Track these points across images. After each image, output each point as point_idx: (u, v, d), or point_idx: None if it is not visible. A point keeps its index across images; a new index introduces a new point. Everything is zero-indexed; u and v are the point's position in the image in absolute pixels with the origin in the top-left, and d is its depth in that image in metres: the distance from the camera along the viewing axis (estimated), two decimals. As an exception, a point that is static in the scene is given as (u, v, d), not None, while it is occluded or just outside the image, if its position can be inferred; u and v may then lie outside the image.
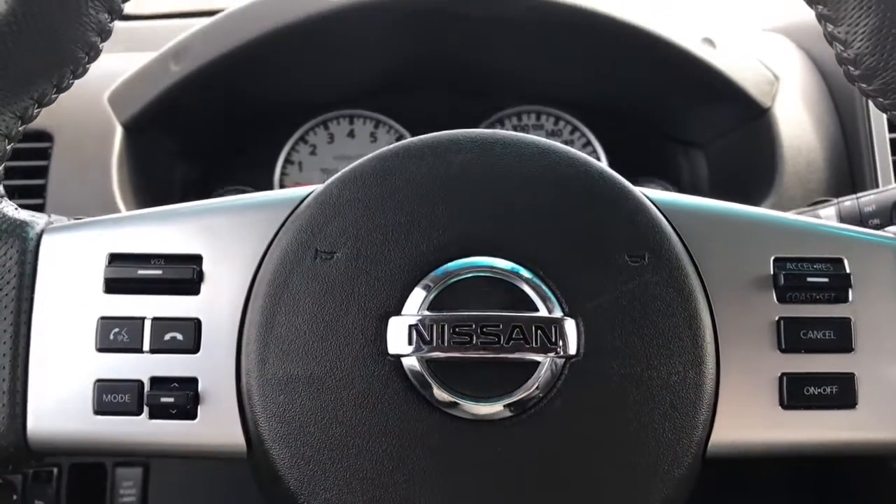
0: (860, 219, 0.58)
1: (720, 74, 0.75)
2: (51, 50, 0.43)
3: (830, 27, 0.47)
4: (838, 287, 0.43)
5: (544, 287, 0.41)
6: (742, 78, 0.76)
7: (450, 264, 0.41)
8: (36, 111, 0.44)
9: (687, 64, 0.75)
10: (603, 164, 0.44)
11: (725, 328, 0.42)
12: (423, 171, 0.42)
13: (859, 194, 0.59)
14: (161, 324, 0.41)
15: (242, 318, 0.41)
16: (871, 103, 0.73)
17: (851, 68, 0.46)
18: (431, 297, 0.40)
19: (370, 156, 0.43)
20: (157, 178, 0.81)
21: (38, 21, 0.42)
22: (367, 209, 0.41)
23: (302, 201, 0.43)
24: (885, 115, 0.72)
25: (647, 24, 0.74)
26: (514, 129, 0.92)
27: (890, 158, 0.72)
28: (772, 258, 0.43)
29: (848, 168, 0.74)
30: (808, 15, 0.80)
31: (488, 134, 0.43)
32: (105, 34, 0.45)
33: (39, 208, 0.71)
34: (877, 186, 0.71)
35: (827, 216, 0.59)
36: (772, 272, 0.43)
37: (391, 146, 0.43)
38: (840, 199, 0.60)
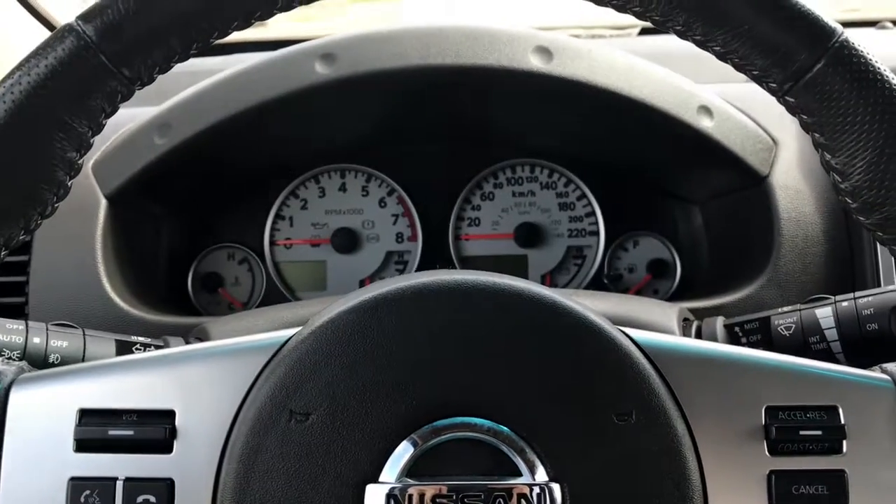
0: (857, 322, 0.56)
1: (716, 143, 0.73)
2: (16, 193, 0.41)
3: (828, 156, 0.45)
4: (832, 439, 0.42)
5: (528, 450, 0.39)
6: (738, 145, 0.74)
7: (430, 426, 0.39)
8: (3, 253, 0.43)
9: (681, 132, 0.73)
10: (589, 313, 0.42)
11: (715, 484, 0.41)
12: (403, 325, 0.41)
13: (857, 294, 0.58)
14: (133, 485, 0.40)
15: (217, 479, 0.40)
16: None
17: (849, 200, 0.45)
18: (411, 461, 0.39)
19: (347, 306, 0.42)
20: (143, 246, 0.80)
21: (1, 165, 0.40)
22: (343, 367, 0.40)
23: (279, 349, 0.42)
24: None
25: (642, 95, 0.72)
26: (509, 181, 0.90)
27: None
28: (764, 407, 0.42)
29: (847, 242, 0.73)
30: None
31: (470, 281, 0.42)
32: (75, 171, 0.43)
33: (19, 309, 0.70)
34: (877, 266, 0.70)
35: (823, 316, 0.58)
36: (763, 423, 0.42)
37: (370, 294, 0.42)
38: (838, 297, 0.58)
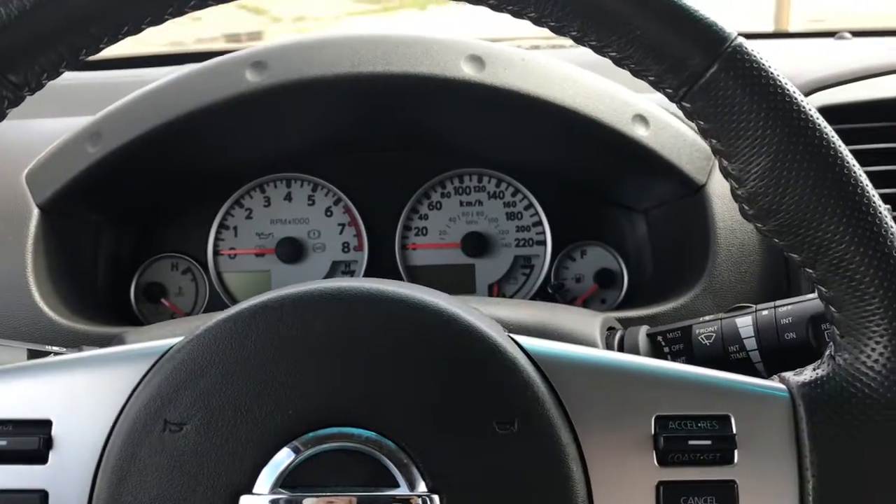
0: (776, 331, 0.56)
1: (651, 152, 0.73)
2: None
3: (725, 163, 0.45)
4: (723, 449, 0.41)
5: (407, 460, 0.39)
6: (675, 154, 0.74)
7: (306, 436, 0.39)
8: None
9: (617, 141, 0.73)
10: (474, 320, 0.41)
11: (602, 494, 0.40)
12: (282, 333, 0.40)
13: (778, 303, 0.57)
14: (5, 497, 0.39)
15: (92, 490, 0.39)
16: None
17: (746, 207, 0.44)
18: (286, 472, 0.38)
19: (226, 315, 0.41)
20: (80, 256, 0.79)
21: None
22: (220, 376, 0.39)
23: (160, 358, 0.41)
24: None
25: (575, 103, 0.72)
26: (456, 190, 0.90)
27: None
28: (654, 417, 0.41)
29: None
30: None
31: (353, 288, 0.41)
32: None
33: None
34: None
35: (743, 325, 0.57)
36: (653, 432, 0.41)
37: (250, 303, 0.41)
38: (759, 306, 0.58)
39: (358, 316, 0.40)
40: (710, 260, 0.73)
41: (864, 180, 0.43)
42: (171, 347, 0.41)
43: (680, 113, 0.82)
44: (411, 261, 0.90)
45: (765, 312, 0.57)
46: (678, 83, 0.44)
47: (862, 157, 0.71)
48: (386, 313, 0.40)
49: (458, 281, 0.90)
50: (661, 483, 0.41)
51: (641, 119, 0.73)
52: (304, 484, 0.38)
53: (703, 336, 0.58)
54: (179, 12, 0.44)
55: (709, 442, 0.41)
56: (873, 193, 0.43)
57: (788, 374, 0.44)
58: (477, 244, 0.88)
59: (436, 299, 0.41)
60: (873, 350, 0.42)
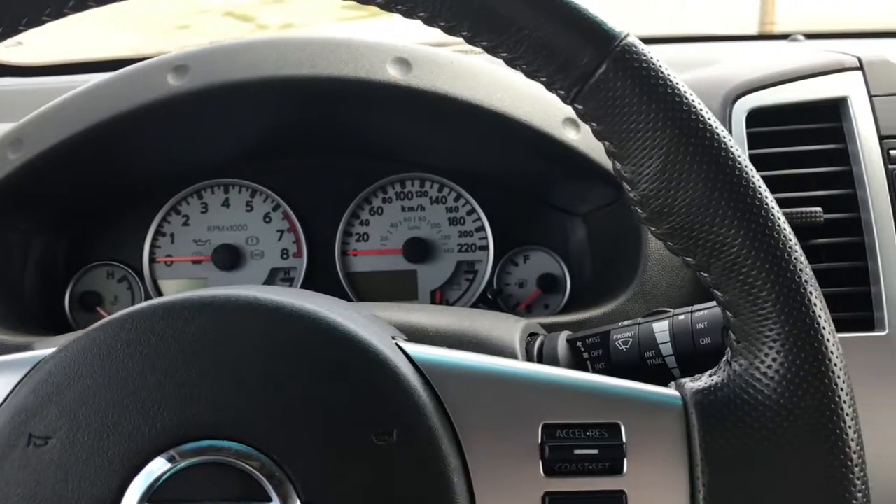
0: (692, 336, 0.55)
1: (582, 155, 0.72)
2: None
3: (618, 165, 0.44)
4: (611, 458, 0.40)
5: (279, 473, 0.37)
6: (606, 157, 0.73)
7: (175, 450, 0.38)
8: None
9: (547, 145, 0.72)
10: (355, 328, 0.40)
11: None
12: (152, 343, 0.39)
13: (695, 307, 0.56)
14: None
15: None
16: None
17: (639, 210, 0.43)
18: (154, 487, 0.37)
19: (98, 324, 0.40)
20: (6, 264, 0.78)
21: None
22: (87, 388, 0.38)
23: (31, 370, 0.40)
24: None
25: (504, 106, 0.71)
26: (398, 195, 0.89)
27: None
28: (541, 425, 0.40)
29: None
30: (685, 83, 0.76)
31: (225, 296, 0.40)
32: None
33: None
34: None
35: (659, 330, 0.56)
36: (540, 441, 0.40)
37: (120, 313, 0.40)
38: (676, 311, 0.57)
39: (231, 324, 0.39)
40: (641, 264, 0.72)
41: (757, 181, 0.42)
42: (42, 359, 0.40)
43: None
44: (352, 267, 0.88)
45: (681, 317, 0.56)
46: (569, 84, 0.43)
47: (790, 160, 0.71)
48: (260, 321, 0.39)
49: (399, 287, 0.89)
50: (546, 494, 0.39)
51: (572, 122, 0.72)
52: (171, 499, 0.37)
53: (620, 342, 0.57)
54: (58, 14, 0.43)
55: (595, 451, 0.40)
56: (766, 195, 0.42)
57: (685, 381, 0.43)
58: (419, 250, 0.87)
59: (315, 307, 0.40)
60: (766, 356, 0.41)
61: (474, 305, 0.88)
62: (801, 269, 0.41)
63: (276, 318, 0.39)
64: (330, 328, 0.39)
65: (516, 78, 0.75)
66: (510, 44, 0.43)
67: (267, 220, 0.88)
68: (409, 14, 0.44)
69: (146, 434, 0.37)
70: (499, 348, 0.57)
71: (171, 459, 0.37)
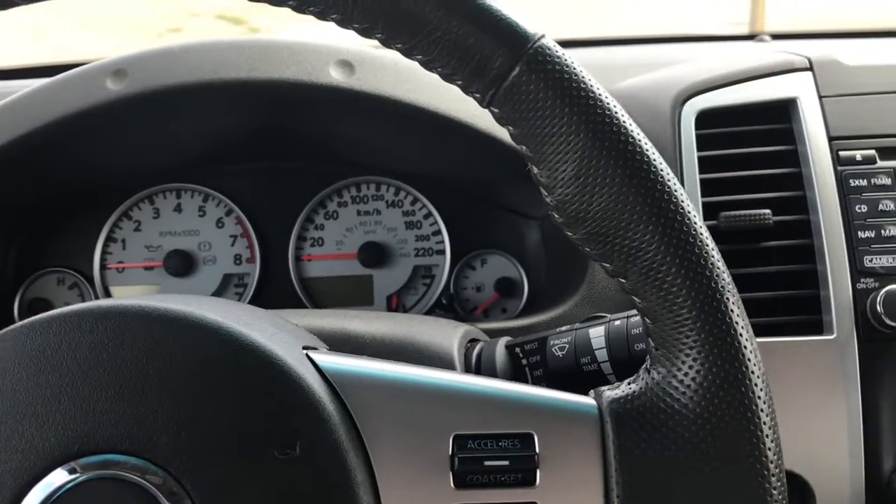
0: (626, 342, 0.54)
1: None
2: None
3: (535, 170, 0.43)
4: (523, 469, 0.39)
5: (177, 489, 0.36)
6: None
7: (68, 465, 0.36)
8: None
9: (494, 146, 0.71)
10: (259, 339, 0.39)
11: None
12: (47, 354, 0.38)
13: (630, 312, 0.55)
14: None
15: None
16: (685, 177, 0.70)
17: (556, 215, 0.43)
18: (47, 503, 0.36)
19: None
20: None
21: None
22: None
23: None
24: (700, 209, 0.69)
25: (448, 109, 0.70)
26: (353, 199, 0.88)
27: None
28: (452, 436, 0.39)
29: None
30: (638, 85, 0.76)
31: (124, 306, 0.39)
32: None
33: None
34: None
35: (595, 336, 0.55)
36: (450, 453, 0.39)
37: (17, 324, 0.39)
38: (612, 316, 0.56)
39: (129, 336, 0.38)
40: (589, 268, 0.71)
41: (674, 185, 0.41)
42: None
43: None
44: (306, 272, 0.87)
45: (617, 323, 0.55)
46: (484, 87, 0.42)
47: (740, 161, 0.70)
48: (158, 332, 0.38)
49: (355, 292, 0.88)
50: None
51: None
52: None
53: (556, 348, 0.56)
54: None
55: (506, 462, 0.39)
56: (683, 199, 0.41)
57: (604, 389, 0.42)
58: (375, 254, 0.86)
59: (217, 317, 0.39)
60: (683, 363, 0.40)
61: (431, 310, 0.87)
62: (717, 275, 0.40)
63: (176, 329, 0.38)
64: (232, 339, 0.38)
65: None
66: (424, 46, 0.42)
67: (220, 225, 0.87)
68: (322, 16, 0.43)
69: (39, 449, 0.36)
70: (436, 355, 0.56)
71: (65, 476, 0.36)
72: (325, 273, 0.87)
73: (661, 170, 0.41)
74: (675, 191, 0.41)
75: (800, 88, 0.71)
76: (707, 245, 0.41)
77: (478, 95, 0.43)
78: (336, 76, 0.69)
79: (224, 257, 0.87)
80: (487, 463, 0.39)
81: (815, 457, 0.65)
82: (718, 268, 0.41)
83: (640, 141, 0.41)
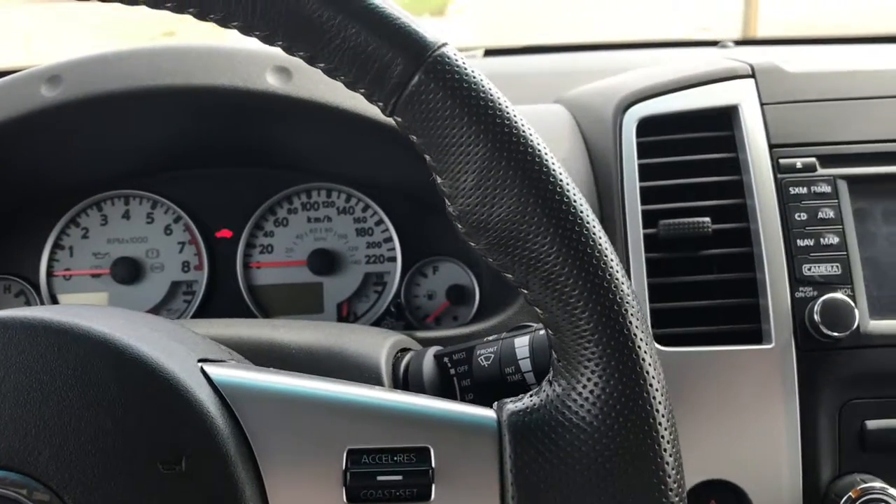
0: (549, 351, 0.53)
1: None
2: None
3: (439, 180, 0.42)
4: (417, 484, 0.38)
5: None
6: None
7: None
8: None
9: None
10: (147, 351, 0.39)
11: None
12: None
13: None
14: None
15: None
16: (625, 184, 0.69)
17: (459, 225, 0.42)
18: None
19: None
20: None
21: None
22: None
23: None
24: (639, 217, 0.68)
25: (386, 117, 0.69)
26: (304, 206, 0.87)
27: (643, 258, 0.67)
28: (346, 451, 0.39)
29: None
30: (588, 91, 0.75)
31: (11, 316, 0.38)
32: None
33: None
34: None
35: (520, 345, 0.54)
36: (344, 468, 0.39)
37: None
38: (537, 325, 0.55)
39: (13, 347, 0.37)
40: (530, 276, 0.70)
41: (573, 195, 0.41)
42: None
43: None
44: (255, 280, 0.87)
45: (541, 332, 0.54)
46: (385, 95, 0.42)
47: (684, 169, 0.70)
48: (43, 344, 0.37)
49: (304, 300, 0.87)
50: None
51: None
52: None
53: (482, 357, 0.56)
54: None
55: (399, 477, 0.38)
56: (582, 209, 0.40)
57: (507, 401, 0.42)
58: (325, 261, 0.86)
59: (104, 328, 0.38)
60: (583, 375, 0.40)
61: (382, 317, 0.86)
62: (617, 286, 0.40)
63: (61, 341, 0.38)
64: (118, 351, 0.38)
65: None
66: (325, 54, 0.42)
67: (168, 232, 0.87)
68: (224, 23, 0.43)
69: None
70: (363, 366, 0.56)
71: None
72: (275, 280, 0.87)
73: (562, 180, 0.41)
74: (575, 201, 0.41)
75: (742, 96, 0.70)
76: (607, 256, 0.40)
77: (381, 104, 0.42)
78: (273, 82, 0.68)
79: (172, 265, 0.86)
80: (381, 478, 0.38)
81: (752, 467, 0.65)
82: (618, 279, 0.40)
83: (540, 151, 0.41)
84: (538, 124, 0.82)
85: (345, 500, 0.38)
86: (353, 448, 0.39)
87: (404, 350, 0.60)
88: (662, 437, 0.39)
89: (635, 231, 0.68)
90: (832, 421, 0.65)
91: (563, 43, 1.21)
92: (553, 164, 0.41)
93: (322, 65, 0.42)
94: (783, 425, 0.64)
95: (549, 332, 0.41)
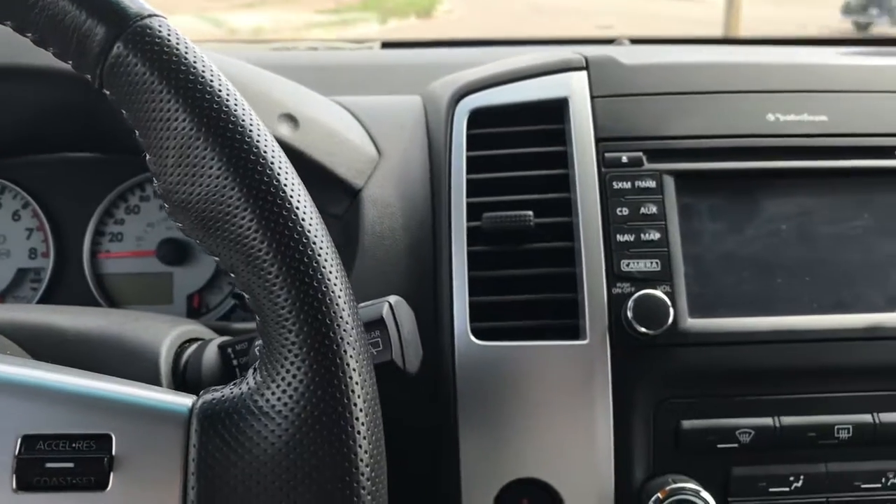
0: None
1: (295, 151, 0.69)
2: None
3: (148, 157, 0.40)
4: (93, 472, 0.37)
5: None
6: (326, 156, 0.70)
7: None
8: None
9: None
10: None
11: None
12: None
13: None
14: None
15: None
16: (452, 176, 0.68)
17: (165, 204, 0.40)
18: None
19: None
20: None
21: None
22: None
23: None
24: (464, 209, 0.67)
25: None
26: (156, 194, 0.85)
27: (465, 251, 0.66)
28: (20, 436, 0.37)
29: (432, 256, 0.69)
30: (441, 83, 0.73)
31: None
32: None
33: None
34: (451, 280, 0.66)
35: None
36: (17, 454, 0.37)
37: None
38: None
39: None
40: (354, 266, 0.69)
41: (282, 175, 0.39)
42: None
43: (364, 115, 0.79)
44: (103, 269, 0.84)
45: None
46: (89, 66, 0.40)
47: (504, 163, 0.68)
48: None
49: (153, 291, 0.85)
50: None
51: (289, 118, 0.69)
52: None
53: (259, 347, 0.54)
54: None
55: (71, 465, 0.36)
56: (288, 187, 0.39)
57: (211, 389, 0.40)
58: (174, 252, 0.84)
59: None
60: (282, 365, 0.38)
61: (232, 310, 0.84)
62: (320, 270, 0.38)
63: None
64: None
65: (246, 70, 0.72)
66: (28, 22, 0.40)
67: (16, 217, 0.84)
68: None
69: None
70: (142, 355, 0.54)
71: None
72: (123, 270, 0.85)
73: (270, 160, 0.39)
74: (283, 182, 0.39)
75: (573, 88, 0.69)
76: (312, 238, 0.39)
77: (88, 76, 0.41)
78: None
79: (19, 251, 0.84)
80: (50, 465, 0.36)
81: (565, 465, 0.63)
82: (323, 263, 0.39)
83: (247, 128, 0.39)
84: (388, 115, 0.81)
85: (14, 487, 0.36)
86: (28, 434, 0.37)
87: (192, 340, 0.58)
88: (359, 433, 0.37)
89: (459, 223, 0.66)
90: (647, 420, 0.64)
91: (458, 38, 1.19)
92: (262, 142, 0.39)
93: (30, 35, 0.41)
94: (597, 423, 0.63)
95: (258, 318, 0.40)
